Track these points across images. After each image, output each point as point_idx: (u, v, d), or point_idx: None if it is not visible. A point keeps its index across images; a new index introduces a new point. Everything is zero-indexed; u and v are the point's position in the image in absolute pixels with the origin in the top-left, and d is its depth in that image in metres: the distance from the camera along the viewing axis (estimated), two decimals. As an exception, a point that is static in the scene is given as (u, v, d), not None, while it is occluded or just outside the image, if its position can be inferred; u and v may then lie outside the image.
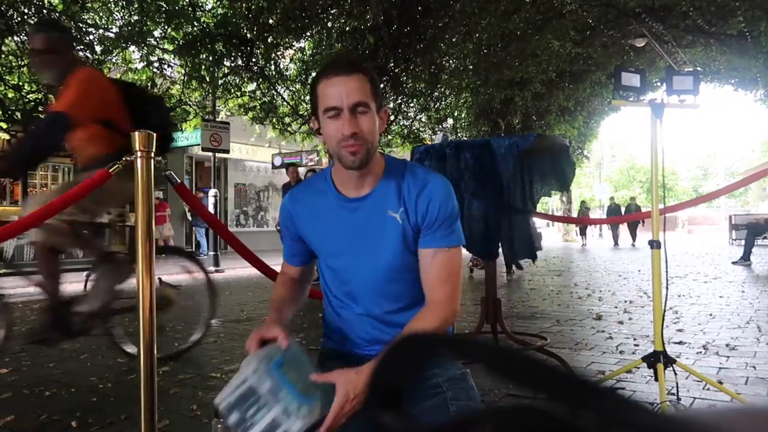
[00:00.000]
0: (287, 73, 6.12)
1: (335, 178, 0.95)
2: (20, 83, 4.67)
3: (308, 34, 5.69)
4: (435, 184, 0.91)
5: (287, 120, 6.46)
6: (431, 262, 0.90)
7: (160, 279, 5.08)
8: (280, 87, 6.10)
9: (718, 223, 22.43)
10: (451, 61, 6.99)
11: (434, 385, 0.90)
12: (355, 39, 5.56)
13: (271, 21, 5.18)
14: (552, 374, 0.17)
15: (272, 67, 5.72)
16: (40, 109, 4.95)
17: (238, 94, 5.90)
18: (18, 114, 4.79)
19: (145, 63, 5.07)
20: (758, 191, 28.48)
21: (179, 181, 1.51)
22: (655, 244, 1.84)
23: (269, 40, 5.34)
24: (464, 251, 1.02)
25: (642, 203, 26.85)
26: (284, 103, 6.25)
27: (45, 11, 4.26)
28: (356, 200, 0.92)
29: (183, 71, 5.29)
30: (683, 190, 30.18)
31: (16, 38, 4.39)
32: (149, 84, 5.40)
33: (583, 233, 13.59)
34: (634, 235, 12.63)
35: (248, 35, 5.23)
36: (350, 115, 0.85)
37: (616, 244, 12.57)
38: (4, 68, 4.53)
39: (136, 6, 4.57)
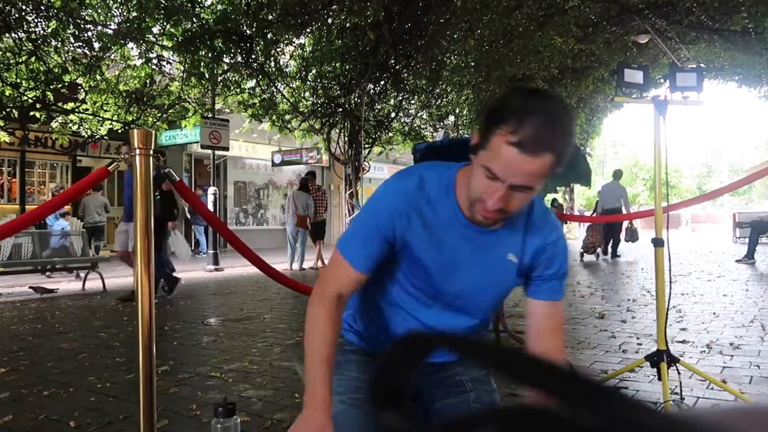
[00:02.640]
0: (287, 70, 6.08)
1: (459, 193, 0.81)
2: (18, 80, 4.65)
3: (308, 30, 5.65)
4: (561, 239, 0.87)
5: (287, 117, 6.43)
6: (548, 313, 0.87)
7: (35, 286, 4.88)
8: (279, 84, 6.08)
9: (721, 221, 22.34)
10: (452, 58, 6.95)
11: (457, 383, 0.89)
12: (355, 35, 5.53)
13: (270, 17, 5.15)
14: (554, 373, 0.17)
15: (272, 64, 5.69)
16: (37, 106, 4.94)
17: (238, 91, 5.87)
18: (15, 112, 4.78)
19: (143, 60, 5.05)
20: (762, 189, 28.34)
21: (178, 178, 1.49)
22: (658, 242, 1.82)
23: (269, 37, 5.31)
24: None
25: (645, 201, 26.70)
26: (284, 100, 6.22)
27: (43, 8, 4.23)
28: (483, 231, 0.82)
29: (182, 68, 5.26)
30: (687, 188, 30.03)
31: (13, 35, 4.37)
32: (148, 81, 5.38)
33: None
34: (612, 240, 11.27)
35: (248, 32, 5.19)
36: (506, 191, 0.72)
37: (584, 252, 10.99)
38: (1, 65, 4.52)
39: (134, 2, 4.54)
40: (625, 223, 8.41)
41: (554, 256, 0.85)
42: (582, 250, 7.68)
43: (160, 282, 4.35)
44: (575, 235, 14.89)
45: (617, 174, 8.34)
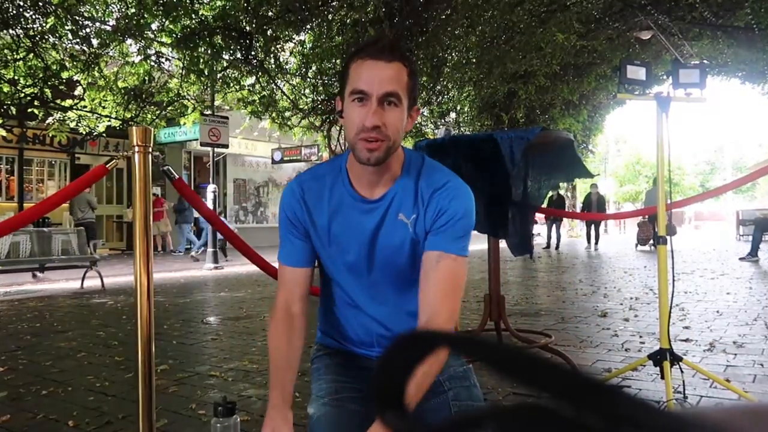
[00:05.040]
0: (287, 67, 6.04)
1: (350, 171, 0.87)
2: (16, 77, 4.62)
3: (308, 26, 5.61)
4: (453, 186, 0.85)
5: (287, 114, 6.40)
6: (435, 267, 0.81)
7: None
8: (279, 81, 6.04)
9: (725, 219, 22.30)
10: (453, 54, 6.90)
11: (436, 384, 0.87)
12: (356, 32, 5.48)
13: (270, 13, 5.11)
14: (556, 372, 0.16)
15: (272, 61, 5.65)
16: (35, 103, 4.90)
17: (237, 87, 5.83)
18: (13, 109, 4.75)
19: (142, 56, 5.01)
20: (766, 186, 28.24)
21: (177, 176, 1.47)
22: (661, 240, 1.80)
23: (269, 33, 5.27)
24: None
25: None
26: (284, 97, 6.18)
27: (41, 4, 4.20)
28: (371, 202, 0.85)
29: (181, 65, 5.22)
30: (690, 185, 29.91)
31: (11, 32, 4.33)
32: (147, 78, 5.33)
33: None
34: (596, 236, 9.54)
35: (247, 28, 5.16)
36: (377, 105, 0.78)
37: (589, 243, 9.66)
38: (-1, 62, 4.48)
39: (133, -2, 4.50)
40: None
41: (450, 203, 0.82)
42: (637, 242, 9.34)
43: None
44: (577, 232, 14.86)
45: (656, 180, 8.72)
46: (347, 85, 0.80)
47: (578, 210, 12.13)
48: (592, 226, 9.68)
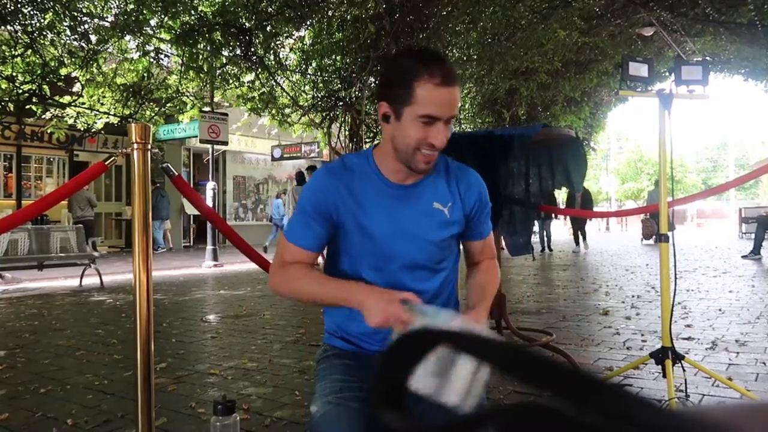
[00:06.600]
0: (287, 63, 6.02)
1: (379, 162, 0.93)
2: (14, 74, 4.60)
3: (308, 23, 5.58)
4: (476, 176, 0.98)
5: (287, 111, 6.37)
6: (482, 248, 1.00)
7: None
8: (279, 77, 6.01)
9: (727, 216, 22.28)
10: (454, 51, 6.87)
11: None
12: (356, 28, 5.45)
13: (270, 10, 5.08)
14: (557, 371, 0.16)
15: (271, 57, 5.62)
16: (33, 100, 4.88)
17: (237, 84, 5.81)
18: (11, 105, 4.72)
19: (141, 53, 4.99)
20: (769, 184, 28.13)
21: (176, 173, 1.46)
22: (663, 238, 1.79)
23: (268, 30, 5.24)
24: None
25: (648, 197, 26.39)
26: (284, 93, 6.15)
27: (39, 0, 4.17)
28: (404, 187, 0.92)
29: (180, 61, 5.20)
30: (692, 183, 29.79)
31: (9, 28, 4.31)
32: (146, 74, 5.31)
33: None
34: (582, 234, 8.83)
35: (247, 24, 5.13)
36: (444, 127, 0.85)
37: (577, 244, 8.90)
38: (-3, 58, 4.45)
39: (131, -6, 4.47)
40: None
41: (481, 193, 0.97)
42: (642, 237, 10.18)
43: None
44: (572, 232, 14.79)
45: (658, 182, 8.62)
46: (411, 104, 0.83)
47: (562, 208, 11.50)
48: (577, 225, 9.00)
